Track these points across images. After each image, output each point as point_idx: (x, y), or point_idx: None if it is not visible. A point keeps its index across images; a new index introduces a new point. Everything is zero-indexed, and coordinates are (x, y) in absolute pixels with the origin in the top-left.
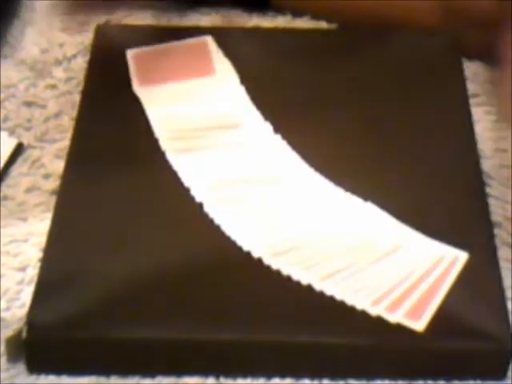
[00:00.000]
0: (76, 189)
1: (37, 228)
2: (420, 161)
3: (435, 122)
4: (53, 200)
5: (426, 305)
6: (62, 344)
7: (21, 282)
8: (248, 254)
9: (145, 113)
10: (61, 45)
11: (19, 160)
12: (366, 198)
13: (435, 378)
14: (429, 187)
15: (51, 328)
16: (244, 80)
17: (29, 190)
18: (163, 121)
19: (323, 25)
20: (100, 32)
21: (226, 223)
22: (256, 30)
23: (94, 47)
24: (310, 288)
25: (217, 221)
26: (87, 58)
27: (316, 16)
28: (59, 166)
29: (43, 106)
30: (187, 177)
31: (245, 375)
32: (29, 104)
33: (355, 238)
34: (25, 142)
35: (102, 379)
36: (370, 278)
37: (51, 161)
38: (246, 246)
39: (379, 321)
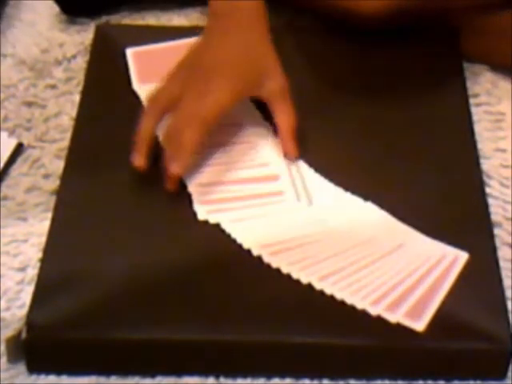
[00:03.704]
0: (76, 189)
1: (37, 228)
2: (420, 161)
3: (435, 121)
4: (53, 200)
5: (426, 305)
6: (62, 344)
7: (21, 282)
8: (247, 252)
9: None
10: (61, 45)
11: (19, 160)
12: (366, 198)
13: (435, 377)
14: (429, 187)
15: (51, 328)
16: None
17: (29, 190)
18: None
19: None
20: (100, 32)
21: (225, 221)
22: None
23: (94, 47)
24: (309, 287)
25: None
26: (87, 57)
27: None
28: (59, 165)
29: (43, 106)
30: (186, 176)
31: (245, 375)
32: (29, 104)
33: (355, 238)
34: (25, 142)
35: (102, 379)
36: (369, 278)
37: (51, 161)
38: (245, 245)
39: (379, 321)
